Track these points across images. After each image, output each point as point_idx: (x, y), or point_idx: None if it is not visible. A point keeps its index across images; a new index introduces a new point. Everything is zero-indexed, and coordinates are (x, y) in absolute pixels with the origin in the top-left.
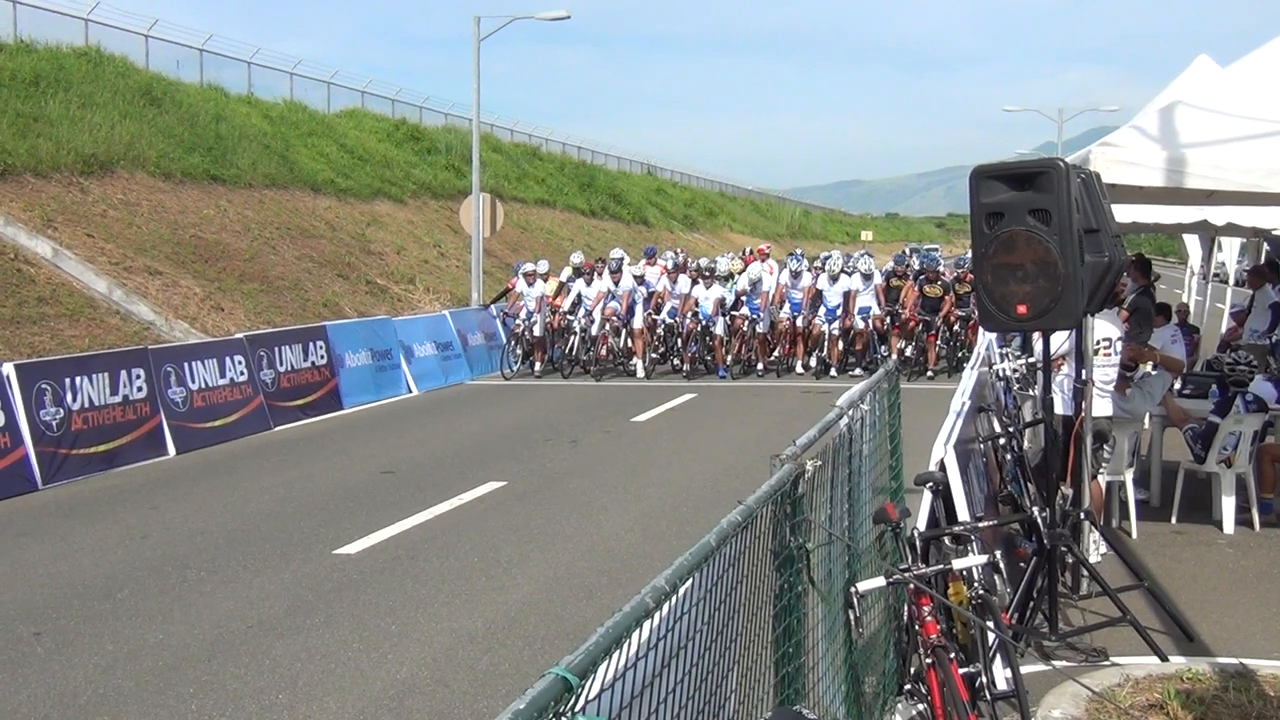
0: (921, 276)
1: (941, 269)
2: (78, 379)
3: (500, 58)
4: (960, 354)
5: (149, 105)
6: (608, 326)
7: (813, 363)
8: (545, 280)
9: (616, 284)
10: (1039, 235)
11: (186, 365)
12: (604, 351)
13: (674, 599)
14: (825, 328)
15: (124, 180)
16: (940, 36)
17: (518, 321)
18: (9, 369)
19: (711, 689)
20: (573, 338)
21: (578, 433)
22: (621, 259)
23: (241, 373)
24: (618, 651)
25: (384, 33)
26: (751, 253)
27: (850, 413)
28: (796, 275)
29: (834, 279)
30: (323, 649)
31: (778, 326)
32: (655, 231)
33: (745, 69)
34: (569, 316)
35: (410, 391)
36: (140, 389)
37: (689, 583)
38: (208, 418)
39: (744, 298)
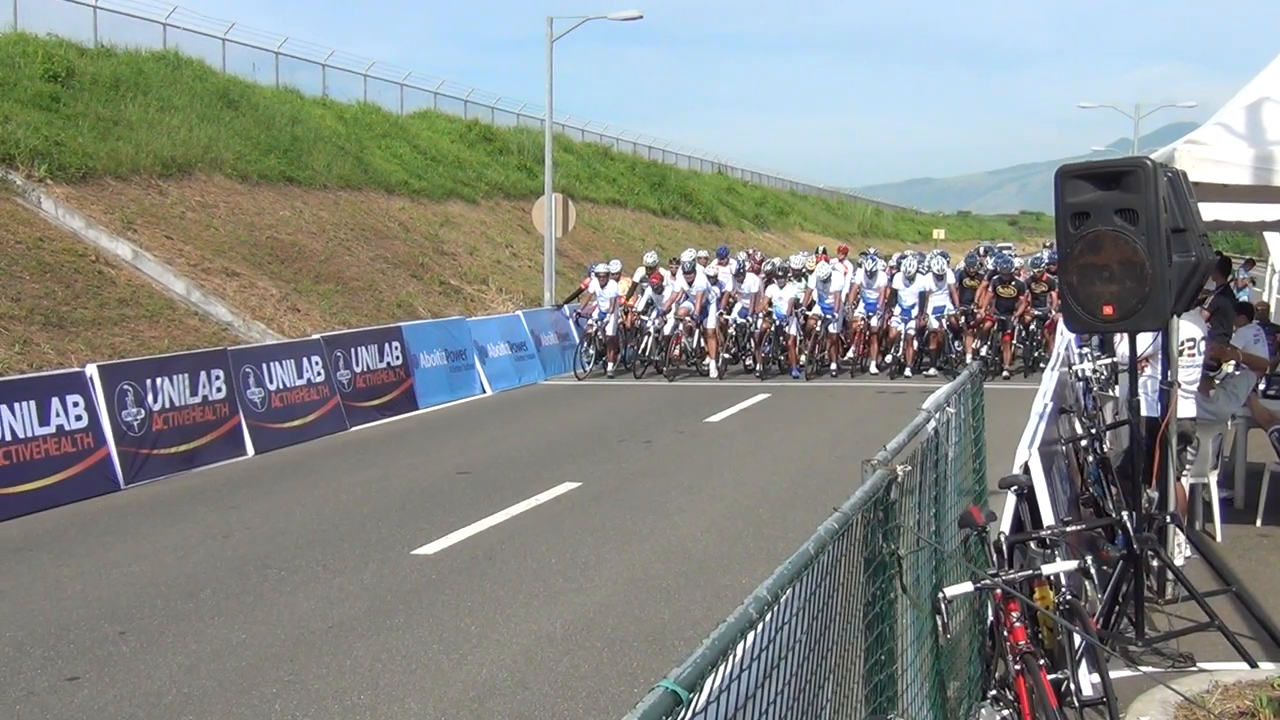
0: (995, 277)
1: (1016, 268)
2: (158, 380)
3: (572, 58)
4: (1036, 354)
5: (226, 108)
6: (681, 327)
7: (887, 361)
8: (618, 280)
9: (690, 284)
10: (1126, 235)
11: (264, 366)
12: (677, 352)
13: (775, 608)
14: (900, 328)
15: (202, 182)
16: (1012, 33)
17: (591, 322)
18: (92, 370)
19: (809, 699)
20: (646, 338)
21: (652, 433)
22: (694, 260)
23: (318, 373)
24: (722, 663)
25: (457, 35)
26: (824, 251)
27: (937, 416)
28: (872, 275)
29: (909, 279)
30: (403, 650)
31: (852, 326)
32: (726, 231)
33: (815, 68)
34: (642, 317)
35: (484, 392)
36: (219, 390)
37: (789, 591)
38: (285, 418)
39: (815, 297)
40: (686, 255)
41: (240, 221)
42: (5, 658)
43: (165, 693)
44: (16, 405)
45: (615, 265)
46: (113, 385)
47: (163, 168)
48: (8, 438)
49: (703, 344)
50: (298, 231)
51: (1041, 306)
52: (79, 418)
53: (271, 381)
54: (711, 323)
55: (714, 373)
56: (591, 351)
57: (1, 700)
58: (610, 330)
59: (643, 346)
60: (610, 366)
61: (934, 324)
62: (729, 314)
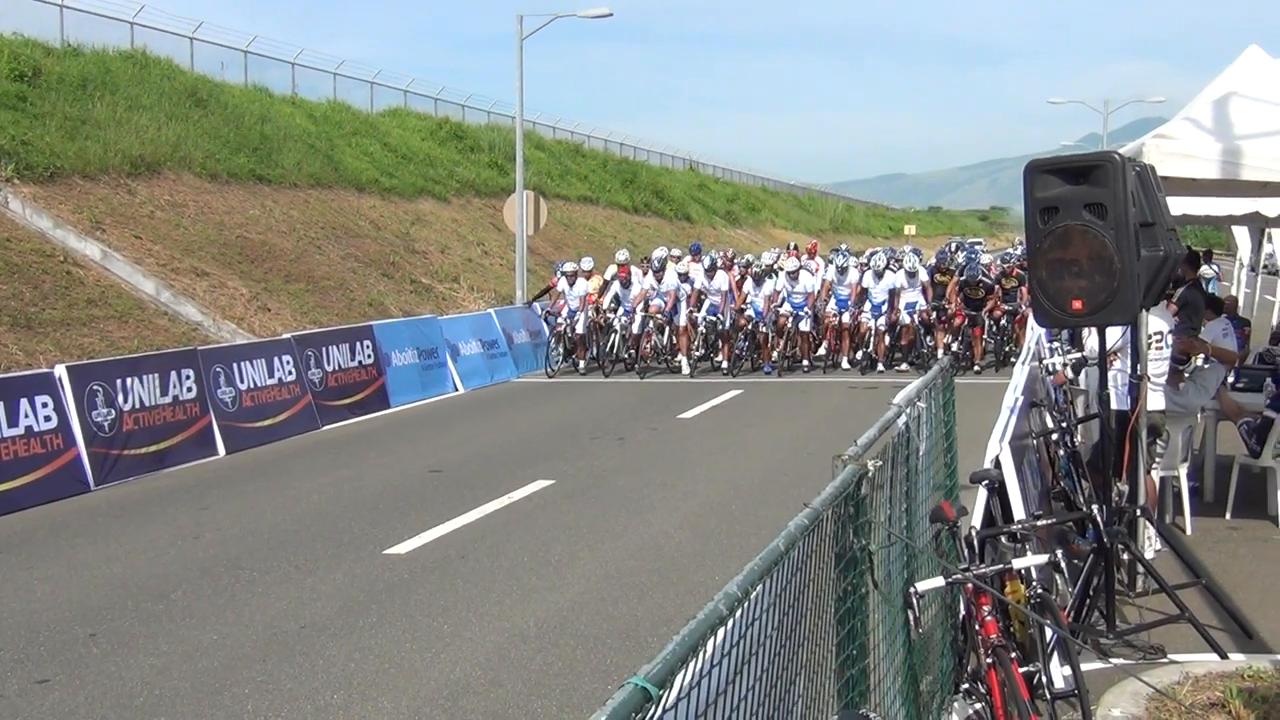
0: (963, 279)
1: (985, 265)
2: (128, 380)
3: (543, 56)
4: (1007, 349)
5: (194, 107)
6: (651, 324)
7: (859, 357)
8: (588, 279)
9: (659, 282)
10: (1095, 230)
11: (235, 366)
12: (647, 349)
13: (745, 604)
14: (871, 324)
15: (171, 181)
16: (982, 30)
17: (560, 320)
18: (61, 371)
19: (781, 694)
20: (614, 335)
21: (624, 430)
22: (664, 257)
23: (290, 373)
24: (693, 659)
25: (427, 33)
26: (794, 248)
27: (908, 411)
28: (843, 271)
29: (879, 275)
30: (376, 649)
31: (824, 322)
32: (698, 227)
33: (785, 64)
34: (609, 314)
35: (456, 390)
36: (190, 389)
37: (759, 587)
38: (257, 418)
39: (784, 294)
40: (658, 253)
41: (210, 221)
42: None
43: (137, 694)
44: None
45: (586, 262)
46: (82, 386)
47: (131, 167)
48: None
49: (674, 341)
50: (268, 230)
51: (1012, 302)
52: (48, 419)
53: (242, 381)
54: (682, 320)
55: (686, 369)
56: (561, 350)
57: None
58: (580, 328)
59: (610, 344)
60: (581, 364)
61: (906, 319)
62: (699, 311)
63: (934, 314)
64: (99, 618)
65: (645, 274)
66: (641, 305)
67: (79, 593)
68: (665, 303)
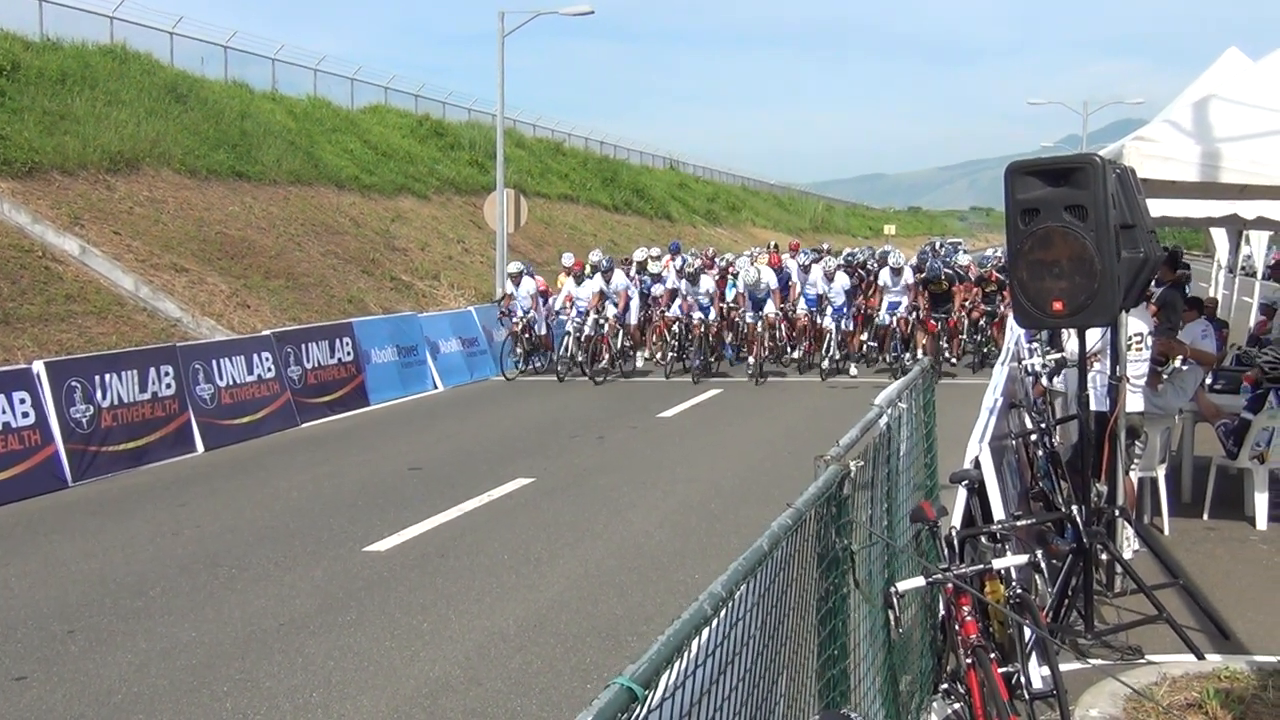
0: (923, 277)
1: (960, 269)
2: (107, 376)
3: (523, 53)
4: (985, 350)
5: (174, 102)
6: (605, 328)
7: (825, 365)
8: (532, 277)
9: (608, 283)
10: (1075, 231)
11: (214, 362)
12: (603, 353)
13: (730, 604)
14: (831, 326)
15: (150, 177)
16: (962, 29)
17: (516, 320)
18: (39, 367)
19: (763, 694)
20: (566, 339)
21: (604, 428)
22: (608, 260)
23: (269, 369)
24: (678, 660)
25: (408, 29)
26: (775, 248)
27: (889, 411)
28: (806, 271)
29: (829, 277)
30: (355, 647)
31: (797, 324)
32: (678, 226)
33: (766, 63)
34: (560, 316)
35: (436, 387)
36: (169, 386)
37: (743, 587)
38: (236, 414)
39: (747, 297)
40: (593, 257)
41: (189, 217)
42: None
43: (115, 691)
44: None
45: (567, 259)
46: (60, 382)
47: (110, 162)
48: None
49: (626, 344)
50: (247, 227)
51: (991, 304)
52: (26, 415)
53: (221, 378)
54: (633, 319)
55: (640, 363)
56: (519, 351)
57: None
58: (542, 329)
59: (564, 347)
60: (537, 364)
61: (885, 319)
62: (669, 311)
63: (912, 315)
64: (77, 615)
65: (594, 276)
66: (596, 307)
67: (57, 589)
68: (617, 304)
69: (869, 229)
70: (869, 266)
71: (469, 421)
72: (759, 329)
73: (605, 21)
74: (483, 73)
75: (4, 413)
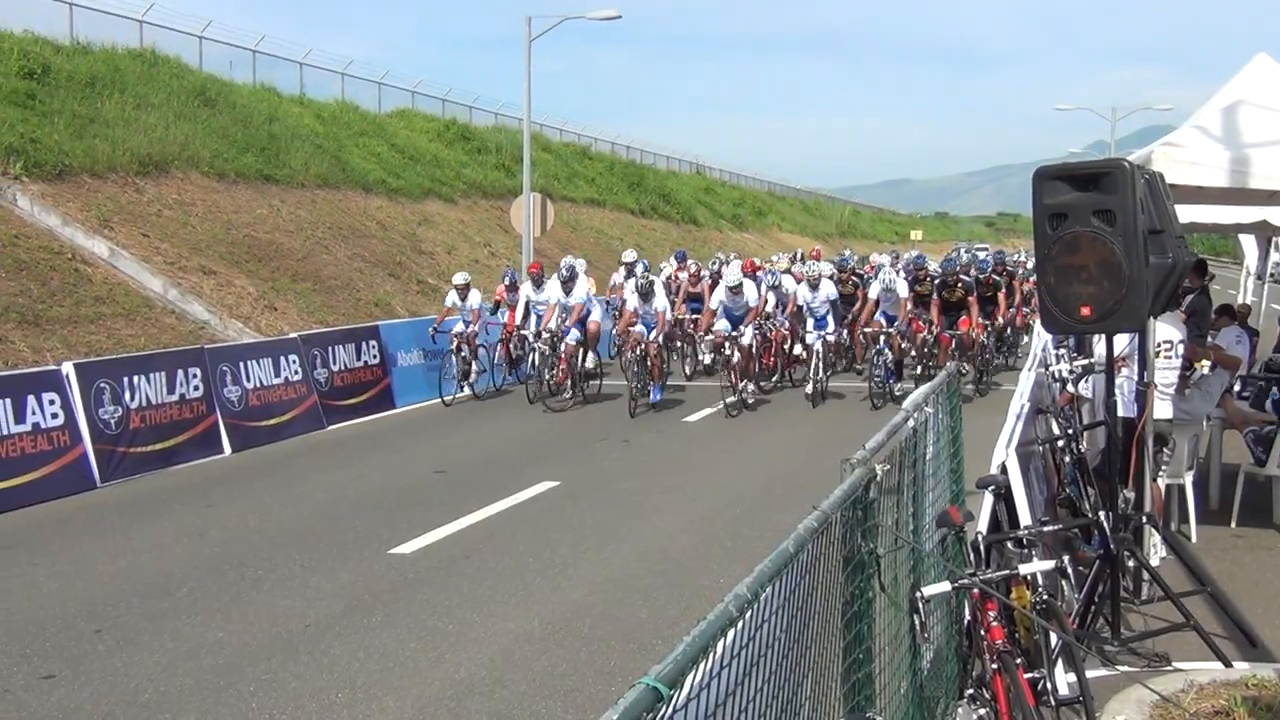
0: (938, 281)
1: (960, 265)
2: (135, 378)
3: (550, 57)
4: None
5: (203, 106)
6: (563, 346)
7: (809, 389)
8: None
9: (568, 294)
10: (1103, 237)
11: (242, 364)
12: (561, 374)
13: (755, 606)
14: (817, 344)
15: (179, 180)
16: (990, 35)
17: (453, 334)
18: (68, 368)
19: (788, 696)
20: (531, 354)
21: (630, 433)
22: (573, 266)
23: (296, 372)
24: (703, 660)
25: (434, 34)
26: (799, 255)
27: (916, 416)
28: (774, 288)
29: (814, 286)
30: (380, 649)
31: (773, 339)
32: (704, 231)
33: (794, 69)
34: (522, 331)
35: (462, 391)
36: (197, 388)
37: (769, 589)
38: (263, 416)
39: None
40: (565, 263)
41: (217, 220)
42: None
43: (142, 691)
44: None
45: (461, 277)
46: (89, 383)
47: (139, 165)
48: None
49: (589, 365)
50: (275, 230)
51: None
52: (55, 416)
53: (249, 380)
54: (571, 339)
55: (568, 394)
56: (459, 371)
57: None
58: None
59: (530, 362)
60: (472, 390)
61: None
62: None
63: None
64: (104, 614)
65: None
66: (552, 320)
67: (85, 589)
68: (570, 318)
69: (895, 234)
70: (861, 274)
71: (494, 425)
72: (734, 357)
73: (632, 26)
74: (509, 77)
75: (34, 413)
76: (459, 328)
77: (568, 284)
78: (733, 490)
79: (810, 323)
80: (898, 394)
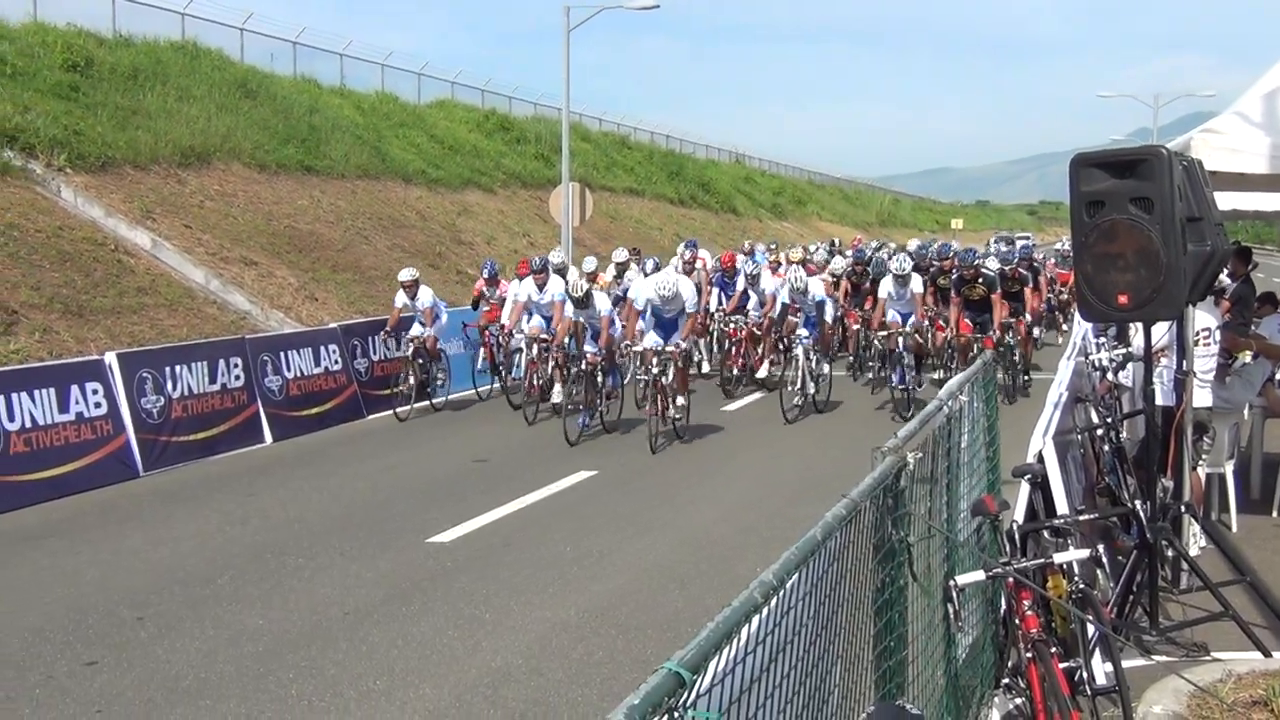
0: (956, 278)
1: (978, 258)
2: (178, 368)
3: (589, 47)
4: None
5: (244, 98)
6: (534, 350)
7: (789, 407)
8: (592, 279)
9: (541, 289)
10: (1141, 224)
11: (283, 354)
12: (533, 383)
13: (781, 593)
14: (799, 352)
15: (220, 172)
16: (1030, 23)
17: (407, 340)
18: (111, 358)
19: (816, 683)
20: (518, 355)
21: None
22: (546, 261)
23: (336, 362)
24: (727, 646)
25: (473, 24)
26: (836, 244)
27: (949, 404)
28: (754, 279)
29: (803, 287)
30: (419, 636)
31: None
32: (744, 220)
33: (833, 57)
34: (514, 334)
35: (501, 380)
36: (238, 377)
37: (795, 576)
38: (303, 406)
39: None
40: (551, 257)
41: (258, 210)
42: (25, 642)
43: (183, 677)
44: (37, 393)
45: (407, 274)
46: (132, 373)
47: (181, 157)
48: (28, 424)
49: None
50: (315, 220)
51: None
52: (98, 405)
53: (289, 370)
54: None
55: (557, 397)
56: (412, 382)
57: (21, 684)
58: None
59: (514, 364)
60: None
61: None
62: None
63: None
64: (147, 601)
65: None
66: (520, 323)
67: (127, 577)
68: (552, 319)
69: (936, 223)
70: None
71: (533, 414)
72: (667, 374)
73: (670, 15)
74: (548, 67)
75: (77, 403)
76: (415, 330)
77: (539, 276)
78: (770, 478)
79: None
80: (920, 399)
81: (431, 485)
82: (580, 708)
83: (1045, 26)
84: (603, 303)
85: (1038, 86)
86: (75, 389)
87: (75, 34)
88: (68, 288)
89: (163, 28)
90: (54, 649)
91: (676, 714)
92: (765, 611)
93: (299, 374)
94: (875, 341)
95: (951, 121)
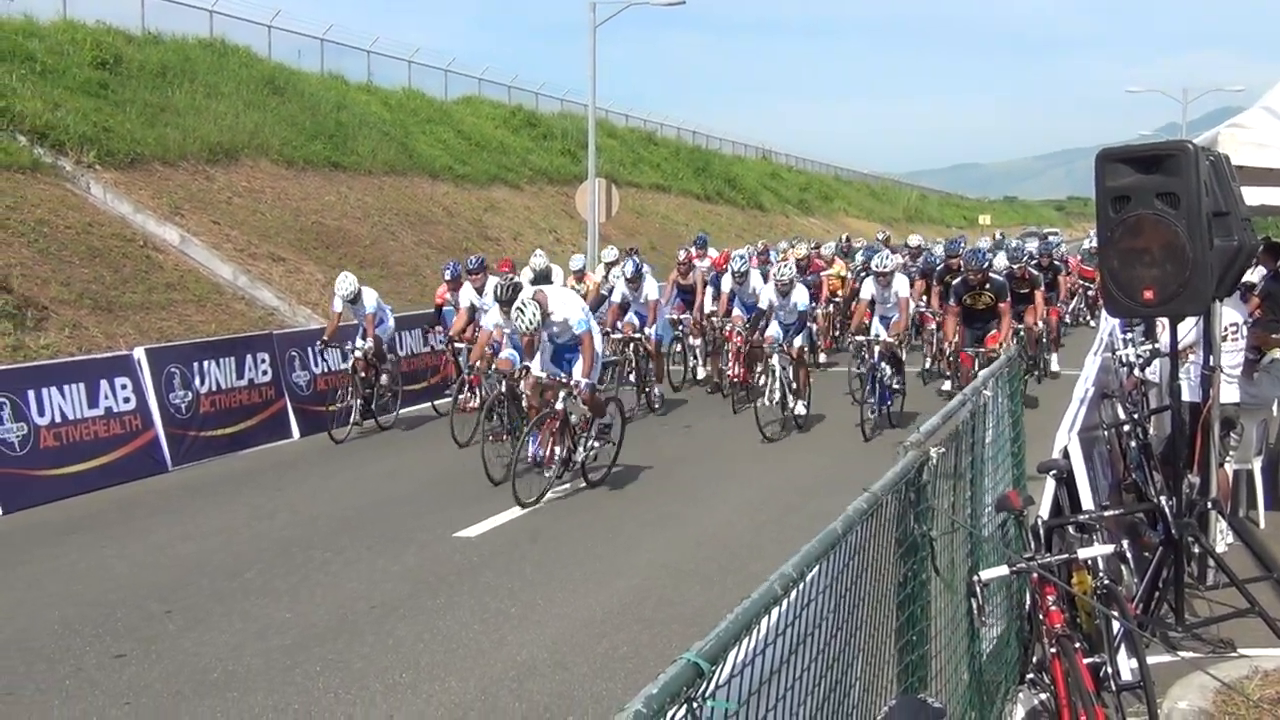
0: (959, 281)
1: (984, 261)
2: (206, 363)
3: (615, 43)
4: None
5: (272, 94)
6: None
7: (765, 425)
8: (580, 280)
9: (480, 292)
10: (1167, 219)
11: (310, 350)
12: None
13: (801, 586)
14: (776, 363)
15: (248, 168)
16: (1057, 17)
17: (353, 352)
18: (140, 353)
19: (837, 676)
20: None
21: (692, 418)
22: (478, 259)
23: None
24: (747, 638)
25: (500, 21)
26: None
27: (973, 399)
28: (742, 278)
29: (784, 293)
30: (444, 630)
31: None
32: (770, 216)
33: (860, 52)
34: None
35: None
36: (266, 373)
37: (815, 570)
38: (331, 401)
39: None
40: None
41: (286, 207)
42: (54, 635)
43: (211, 670)
44: (66, 387)
45: (348, 285)
46: (160, 368)
47: (209, 153)
48: (57, 419)
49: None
50: (343, 216)
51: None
52: (127, 400)
53: (317, 365)
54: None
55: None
56: (355, 401)
57: (51, 676)
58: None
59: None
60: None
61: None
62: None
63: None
64: (175, 595)
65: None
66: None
67: (155, 570)
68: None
69: (963, 219)
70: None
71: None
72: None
73: (696, 11)
74: (574, 63)
75: (106, 398)
76: (358, 341)
77: (475, 275)
78: (794, 476)
79: (775, 331)
80: (894, 423)
81: (458, 480)
82: (605, 701)
83: (1074, 21)
84: (650, 288)
85: (1066, 82)
86: (104, 384)
87: (104, 31)
88: (97, 283)
89: (191, 25)
90: (83, 642)
91: (695, 704)
92: (785, 604)
93: (326, 370)
94: (852, 357)
95: (979, 117)
